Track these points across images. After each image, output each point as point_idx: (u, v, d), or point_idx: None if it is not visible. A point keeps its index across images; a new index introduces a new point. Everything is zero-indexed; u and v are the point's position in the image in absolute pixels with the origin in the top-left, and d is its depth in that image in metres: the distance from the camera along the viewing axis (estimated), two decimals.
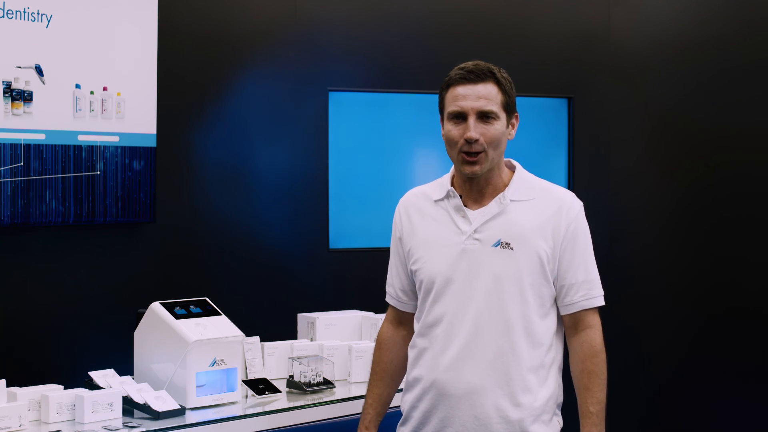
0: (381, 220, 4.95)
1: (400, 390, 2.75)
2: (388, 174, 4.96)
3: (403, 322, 2.73)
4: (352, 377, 3.54)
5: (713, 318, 5.25)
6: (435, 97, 5.09)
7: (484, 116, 2.49)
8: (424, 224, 2.61)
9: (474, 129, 2.48)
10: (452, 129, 2.52)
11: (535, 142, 5.12)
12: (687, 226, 5.28)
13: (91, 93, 4.08)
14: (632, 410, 5.20)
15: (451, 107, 2.52)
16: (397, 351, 2.73)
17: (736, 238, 5.23)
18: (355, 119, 4.89)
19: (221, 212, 4.58)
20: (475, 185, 2.56)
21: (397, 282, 2.70)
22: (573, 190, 5.16)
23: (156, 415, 2.99)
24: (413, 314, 2.69)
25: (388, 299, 2.76)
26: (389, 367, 2.73)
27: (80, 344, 4.22)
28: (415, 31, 4.93)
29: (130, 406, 3.04)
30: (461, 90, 2.51)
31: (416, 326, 2.63)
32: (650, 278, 5.27)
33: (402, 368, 2.74)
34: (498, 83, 2.52)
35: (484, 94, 2.50)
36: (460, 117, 2.51)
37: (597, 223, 5.08)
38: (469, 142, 2.48)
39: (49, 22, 3.94)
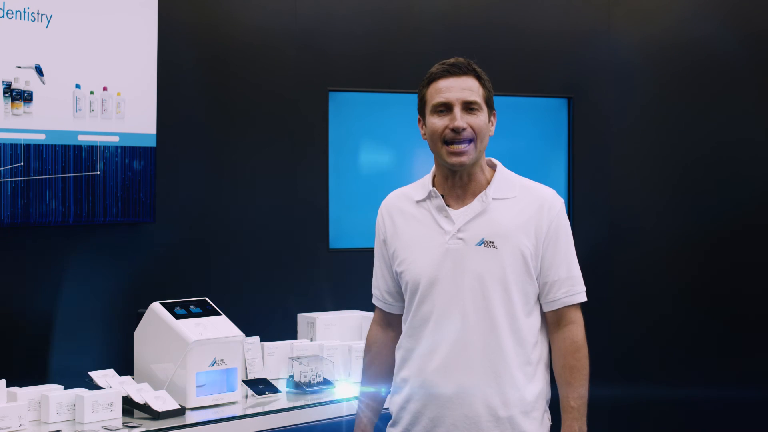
0: None
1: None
2: (389, 174, 4.96)
3: (391, 323, 2.73)
4: (352, 377, 3.54)
5: (715, 318, 5.25)
6: None
7: (469, 107, 2.52)
8: (407, 226, 2.62)
9: (461, 118, 2.50)
10: (437, 121, 2.54)
11: (535, 142, 5.11)
12: (687, 226, 5.28)
13: (91, 93, 4.07)
14: (634, 411, 5.20)
15: (436, 99, 2.54)
16: (388, 353, 2.73)
17: (737, 238, 5.23)
18: (355, 119, 4.89)
19: (221, 212, 4.58)
20: (458, 183, 2.57)
21: (383, 284, 2.72)
22: (573, 191, 5.20)
23: (156, 415, 2.99)
24: (400, 315, 2.69)
25: (374, 301, 2.77)
26: (381, 369, 2.74)
27: (80, 344, 4.22)
28: (415, 31, 4.93)
29: (130, 406, 3.04)
30: (445, 83, 2.54)
31: (404, 327, 2.64)
32: (651, 279, 5.27)
33: (393, 369, 2.73)
34: (478, 78, 2.56)
35: (468, 86, 2.53)
36: (445, 108, 2.53)
37: (597, 224, 5.11)
38: (456, 131, 2.50)
39: (49, 22, 3.94)
